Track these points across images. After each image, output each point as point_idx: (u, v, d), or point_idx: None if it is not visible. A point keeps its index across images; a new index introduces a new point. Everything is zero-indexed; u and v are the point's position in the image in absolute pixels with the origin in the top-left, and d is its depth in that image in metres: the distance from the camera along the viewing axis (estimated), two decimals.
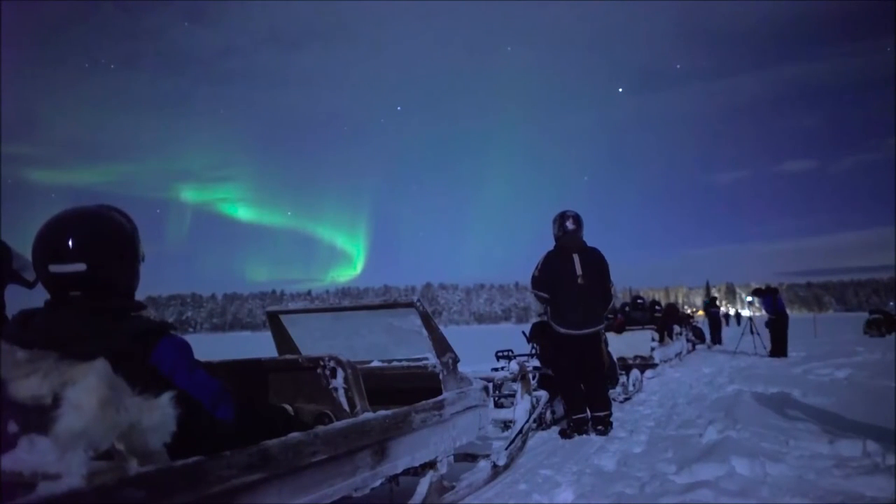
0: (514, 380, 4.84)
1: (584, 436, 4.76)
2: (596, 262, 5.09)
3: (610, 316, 9.39)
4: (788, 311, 12.66)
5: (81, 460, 1.35)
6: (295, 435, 1.99)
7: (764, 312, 13.03)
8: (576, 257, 5.00)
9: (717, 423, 4.53)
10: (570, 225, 5.07)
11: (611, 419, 4.98)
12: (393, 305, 3.22)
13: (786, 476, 3.19)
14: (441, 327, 3.29)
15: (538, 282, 5.07)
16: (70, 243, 1.71)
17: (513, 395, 4.81)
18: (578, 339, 4.97)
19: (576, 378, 5.03)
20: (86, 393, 1.38)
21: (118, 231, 1.82)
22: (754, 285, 14.38)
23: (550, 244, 5.22)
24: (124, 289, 1.83)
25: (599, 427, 4.87)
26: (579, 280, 4.95)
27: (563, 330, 4.99)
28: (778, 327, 12.22)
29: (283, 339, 3.56)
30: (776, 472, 3.24)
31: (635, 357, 9.46)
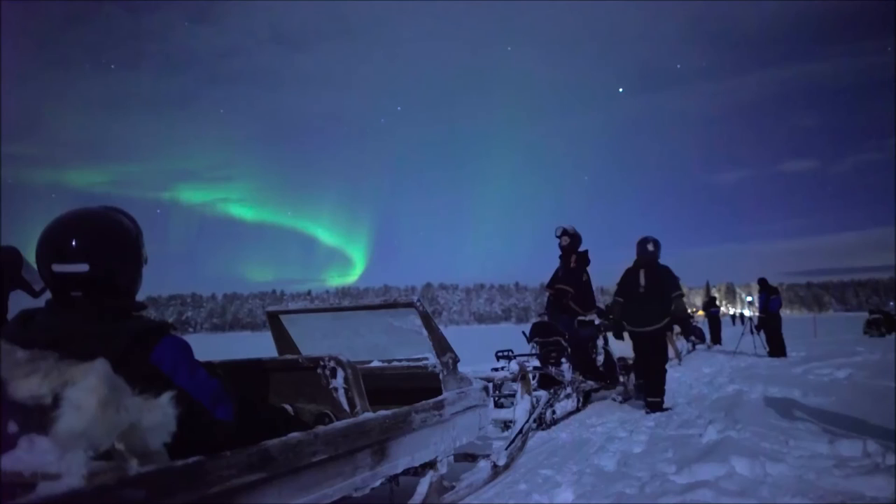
0: (514, 380, 4.85)
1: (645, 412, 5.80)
2: (658, 276, 6.30)
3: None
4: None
5: (81, 460, 1.35)
6: (295, 435, 1.99)
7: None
8: (641, 272, 6.32)
9: (717, 423, 4.53)
10: (650, 248, 6.38)
11: (662, 404, 5.96)
12: (393, 305, 3.22)
13: (786, 476, 3.19)
14: (441, 327, 3.29)
15: (617, 290, 6.47)
16: (74, 243, 1.71)
17: (513, 395, 4.82)
18: (640, 336, 6.29)
19: (644, 366, 6.35)
20: (86, 393, 1.37)
21: (122, 233, 1.82)
22: (754, 285, 14.32)
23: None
24: (126, 290, 1.83)
25: (647, 410, 5.91)
26: (641, 290, 6.25)
27: (629, 328, 6.42)
28: (771, 327, 12.23)
29: (283, 339, 3.56)
30: (776, 472, 3.24)
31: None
